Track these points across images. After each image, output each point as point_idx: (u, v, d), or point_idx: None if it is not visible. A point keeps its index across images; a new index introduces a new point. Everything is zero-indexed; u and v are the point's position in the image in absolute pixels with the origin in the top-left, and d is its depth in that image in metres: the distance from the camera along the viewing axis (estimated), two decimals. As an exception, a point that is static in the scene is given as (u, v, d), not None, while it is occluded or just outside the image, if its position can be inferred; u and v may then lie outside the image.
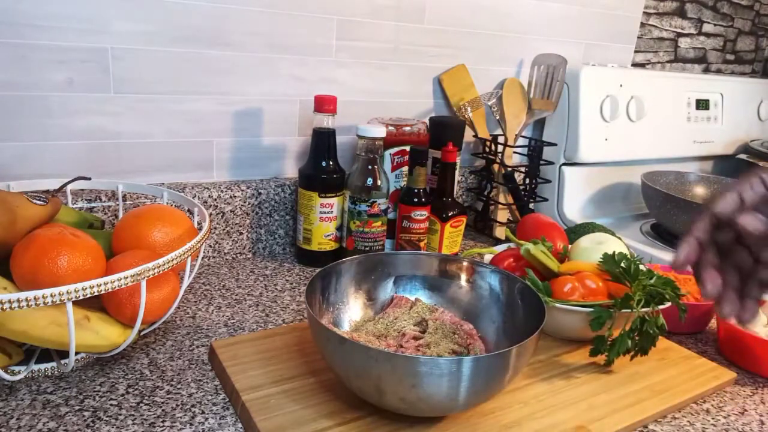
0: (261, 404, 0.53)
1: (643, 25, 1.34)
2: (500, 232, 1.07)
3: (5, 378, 0.52)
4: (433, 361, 0.46)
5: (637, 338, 0.63)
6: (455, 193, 0.96)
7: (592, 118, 1.12)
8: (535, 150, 1.08)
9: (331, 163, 0.84)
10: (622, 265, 0.66)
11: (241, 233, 0.88)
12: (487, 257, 0.79)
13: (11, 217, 0.53)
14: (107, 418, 0.51)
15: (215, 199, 0.84)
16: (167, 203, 0.74)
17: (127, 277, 0.50)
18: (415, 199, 0.87)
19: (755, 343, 0.67)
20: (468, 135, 1.04)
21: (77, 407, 0.53)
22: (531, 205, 1.10)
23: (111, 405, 0.53)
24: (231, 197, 0.86)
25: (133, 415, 0.52)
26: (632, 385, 0.61)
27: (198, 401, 0.55)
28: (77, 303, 0.52)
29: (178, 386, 0.57)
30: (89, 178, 0.70)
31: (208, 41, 0.81)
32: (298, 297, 0.78)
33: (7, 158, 0.73)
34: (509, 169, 1.06)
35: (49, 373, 0.57)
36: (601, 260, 0.68)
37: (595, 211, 1.18)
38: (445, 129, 0.95)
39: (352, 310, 0.65)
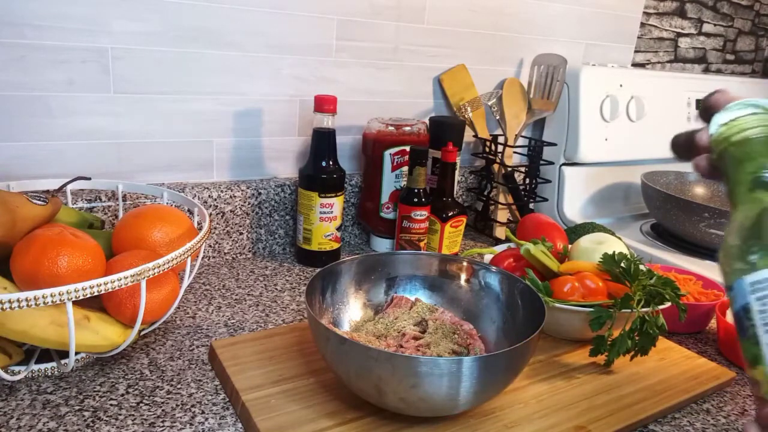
0: (261, 404, 0.53)
1: (643, 25, 1.34)
2: (500, 232, 1.07)
3: (5, 378, 0.52)
4: (433, 361, 0.46)
5: (637, 338, 0.63)
6: (455, 193, 0.96)
7: (592, 118, 1.12)
8: (535, 150, 1.08)
9: (331, 163, 0.84)
10: (622, 265, 0.66)
11: (241, 233, 0.88)
12: (487, 257, 0.79)
13: (11, 218, 0.53)
14: (107, 418, 0.51)
15: (215, 199, 0.84)
16: (167, 203, 0.74)
17: (127, 277, 0.50)
18: (415, 199, 0.87)
19: (755, 343, 0.67)
20: (468, 135, 1.04)
21: (77, 407, 0.53)
22: (531, 205, 1.10)
23: (111, 405, 0.53)
24: (231, 197, 0.86)
25: (133, 415, 0.52)
26: (632, 385, 0.61)
27: (198, 401, 0.55)
28: (77, 303, 0.52)
29: (178, 386, 0.57)
30: (89, 178, 0.70)
31: (208, 41, 0.81)
32: (298, 297, 0.78)
33: (7, 158, 0.73)
34: (509, 169, 1.06)
35: (49, 373, 0.57)
36: (601, 260, 0.68)
37: (595, 211, 1.18)
38: (445, 129, 0.95)
39: (352, 310, 0.65)
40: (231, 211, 0.86)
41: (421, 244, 0.89)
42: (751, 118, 0.37)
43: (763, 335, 0.32)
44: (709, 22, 1.50)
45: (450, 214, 0.90)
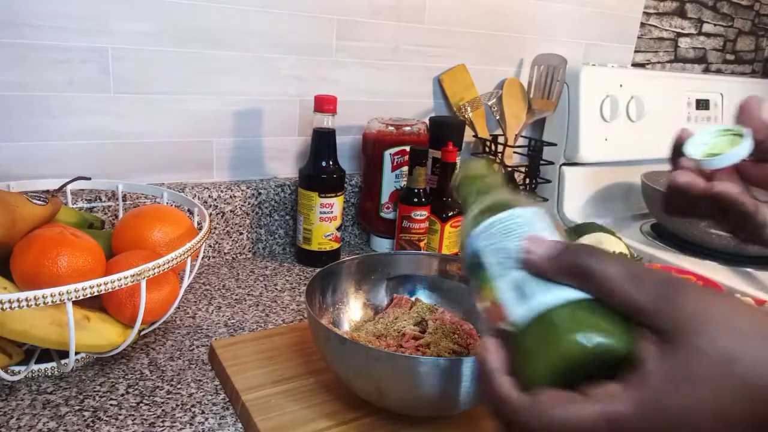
0: (261, 404, 0.53)
1: (643, 25, 1.34)
2: (500, 232, 1.06)
3: (5, 378, 0.52)
4: (433, 361, 0.46)
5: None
6: (455, 193, 0.96)
7: (592, 118, 1.12)
8: (535, 150, 1.08)
9: (331, 163, 0.84)
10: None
11: (241, 233, 0.88)
12: (487, 257, 0.79)
13: (11, 218, 0.53)
14: (107, 418, 0.51)
15: (215, 199, 0.84)
16: (167, 203, 0.74)
17: (127, 277, 0.50)
18: (415, 199, 0.87)
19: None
20: (468, 135, 1.04)
21: (77, 407, 0.53)
22: (531, 205, 1.10)
23: (111, 405, 0.53)
24: (231, 197, 0.86)
25: (133, 415, 0.52)
26: (632, 385, 0.61)
27: (198, 401, 0.55)
28: (77, 303, 0.52)
29: (178, 386, 0.57)
30: (89, 178, 0.70)
31: (208, 41, 0.81)
32: (298, 297, 0.78)
33: (7, 158, 0.73)
34: (509, 169, 1.06)
35: (49, 373, 0.57)
36: (601, 260, 0.67)
37: (595, 211, 1.18)
38: (445, 129, 0.95)
39: (352, 310, 0.65)
40: (231, 211, 0.86)
41: (421, 244, 0.89)
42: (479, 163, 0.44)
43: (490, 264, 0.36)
44: (709, 22, 1.50)
45: (450, 214, 0.90)
